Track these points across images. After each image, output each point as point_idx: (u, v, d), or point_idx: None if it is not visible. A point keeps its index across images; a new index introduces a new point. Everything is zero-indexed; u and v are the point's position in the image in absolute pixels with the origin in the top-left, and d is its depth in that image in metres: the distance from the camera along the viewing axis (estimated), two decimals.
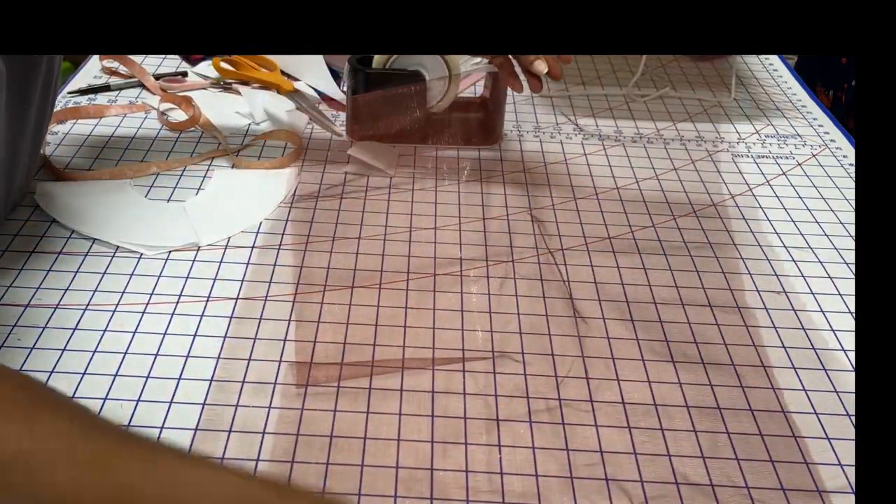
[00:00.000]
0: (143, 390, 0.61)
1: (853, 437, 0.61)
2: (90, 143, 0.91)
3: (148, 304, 0.69)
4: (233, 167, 0.88)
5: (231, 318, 0.68)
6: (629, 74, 1.14)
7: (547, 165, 0.93)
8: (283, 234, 0.79)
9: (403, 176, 0.89)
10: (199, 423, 0.59)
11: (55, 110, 0.95)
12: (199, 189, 0.84)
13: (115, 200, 0.81)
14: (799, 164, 0.96)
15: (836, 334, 0.71)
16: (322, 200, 0.84)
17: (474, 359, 0.66)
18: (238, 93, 1.02)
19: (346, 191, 0.86)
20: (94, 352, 0.64)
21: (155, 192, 0.84)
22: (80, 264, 0.73)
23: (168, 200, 0.82)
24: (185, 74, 1.07)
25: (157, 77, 1.04)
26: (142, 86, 1.03)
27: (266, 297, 0.71)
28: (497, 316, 0.70)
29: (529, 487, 0.56)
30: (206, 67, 1.07)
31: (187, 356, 0.64)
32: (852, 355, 0.69)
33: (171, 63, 1.10)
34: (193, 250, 0.75)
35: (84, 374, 0.62)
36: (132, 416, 0.59)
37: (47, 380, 0.61)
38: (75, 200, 0.80)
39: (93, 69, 1.07)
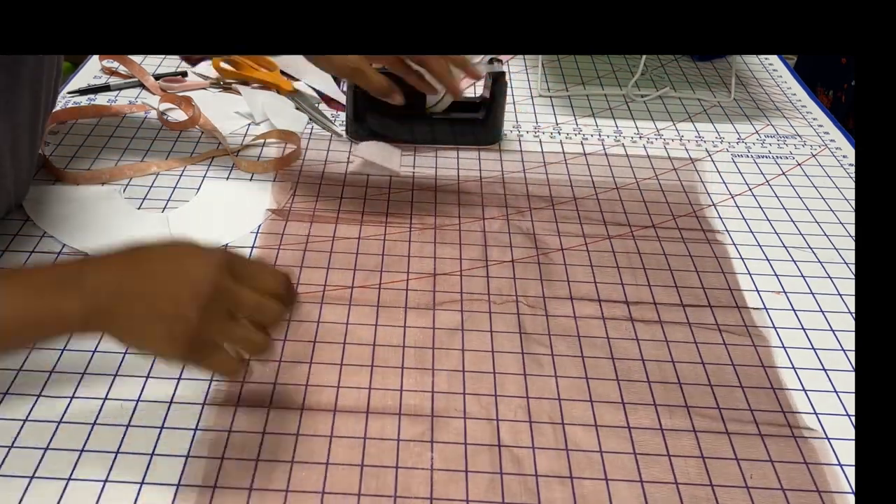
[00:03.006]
0: (142, 390, 0.61)
1: (853, 437, 0.61)
2: (90, 143, 0.91)
3: None
4: (233, 167, 0.88)
5: None
6: (629, 74, 1.14)
7: (547, 165, 0.93)
8: (282, 234, 0.79)
9: (403, 176, 0.89)
10: (198, 423, 0.59)
11: (55, 110, 0.95)
12: (197, 190, 0.84)
13: (100, 210, 0.80)
14: (799, 164, 0.96)
15: (835, 335, 0.71)
16: (322, 200, 0.84)
17: (474, 359, 0.66)
18: (238, 93, 1.02)
19: (346, 191, 0.86)
20: (94, 352, 0.64)
21: (154, 192, 0.84)
22: None
23: (165, 204, 0.82)
24: (185, 74, 1.07)
25: (157, 77, 1.04)
26: (142, 86, 1.03)
27: None
28: (497, 316, 0.70)
29: (529, 486, 0.56)
30: (206, 67, 1.07)
31: None
32: (852, 355, 0.69)
33: (171, 63, 1.10)
34: None
35: (84, 373, 0.62)
36: (132, 416, 0.59)
37: (47, 380, 0.61)
38: (61, 209, 0.79)
39: (93, 69, 1.07)
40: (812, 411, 0.63)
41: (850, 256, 0.80)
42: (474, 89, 1.09)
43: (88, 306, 0.50)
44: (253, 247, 0.77)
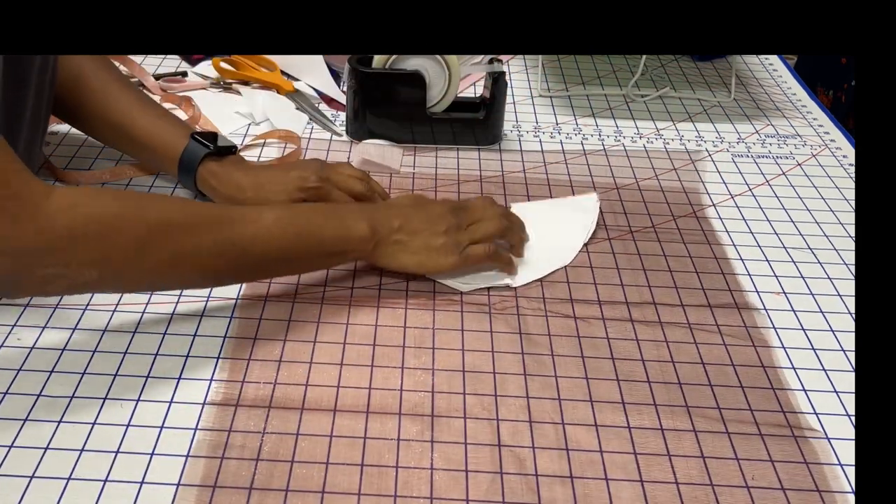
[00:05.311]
0: (143, 390, 0.61)
1: (853, 437, 0.61)
2: (90, 143, 0.91)
3: (148, 303, 0.69)
4: None
5: (231, 318, 0.68)
6: (629, 74, 1.14)
7: (547, 165, 0.93)
8: None
9: (403, 176, 0.89)
10: (198, 422, 0.59)
11: None
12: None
13: None
14: (799, 164, 0.96)
15: (835, 335, 0.71)
16: None
17: (474, 359, 0.66)
18: (238, 93, 1.02)
19: None
20: (94, 352, 0.64)
21: (154, 192, 0.84)
22: None
23: None
24: (184, 74, 1.07)
25: (157, 77, 1.05)
26: (142, 86, 1.03)
27: (266, 297, 0.71)
28: (497, 316, 0.70)
29: (530, 485, 0.56)
30: (206, 67, 1.07)
31: (187, 356, 0.64)
32: (852, 355, 0.69)
33: (171, 63, 1.10)
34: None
35: (84, 373, 0.62)
36: (132, 416, 0.59)
37: (47, 380, 0.62)
38: None
39: None
40: (812, 411, 0.63)
41: (850, 256, 0.80)
42: (474, 89, 1.09)
43: (376, 238, 0.69)
44: None
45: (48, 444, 0.57)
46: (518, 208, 0.83)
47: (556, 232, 0.80)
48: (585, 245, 0.79)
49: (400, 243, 0.70)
